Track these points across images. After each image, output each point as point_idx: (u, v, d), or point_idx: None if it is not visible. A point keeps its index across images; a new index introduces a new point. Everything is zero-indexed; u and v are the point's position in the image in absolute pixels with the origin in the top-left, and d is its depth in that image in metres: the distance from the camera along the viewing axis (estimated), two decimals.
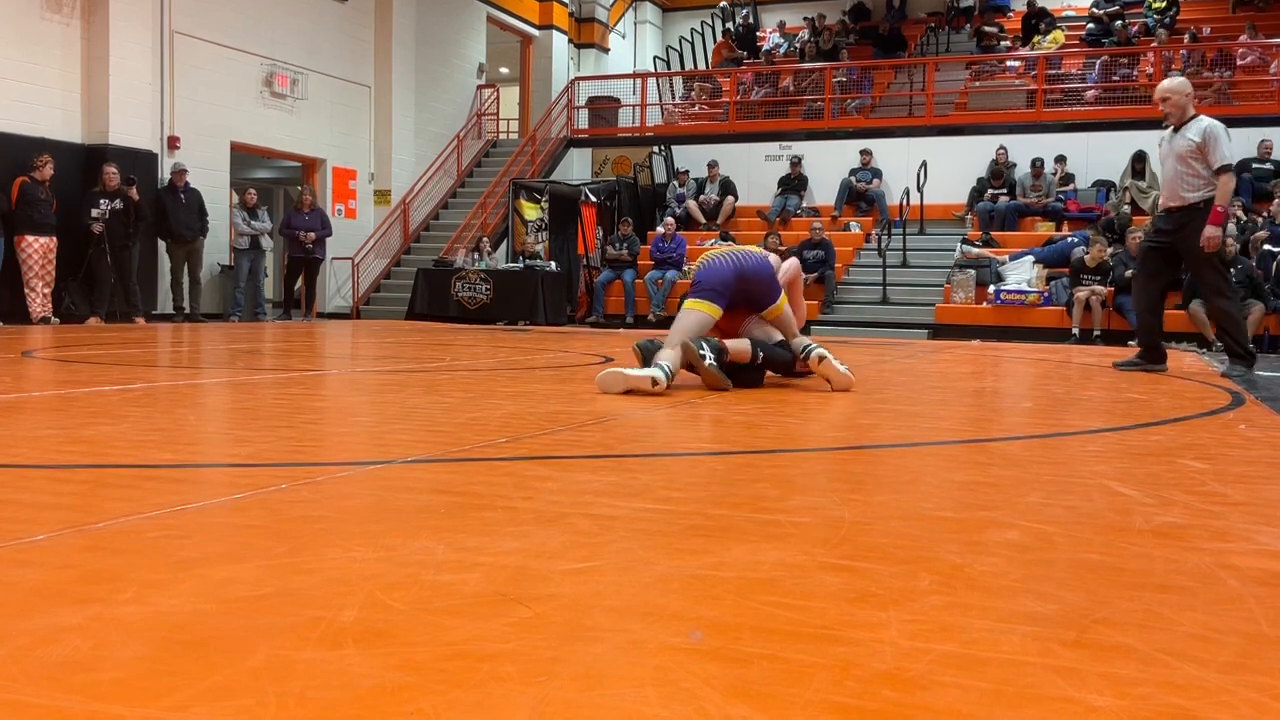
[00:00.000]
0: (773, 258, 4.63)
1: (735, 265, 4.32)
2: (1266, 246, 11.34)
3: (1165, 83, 6.05)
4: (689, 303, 4.34)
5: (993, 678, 1.01)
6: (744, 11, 20.74)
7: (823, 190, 15.24)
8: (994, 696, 0.96)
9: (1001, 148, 14.21)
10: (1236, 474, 2.37)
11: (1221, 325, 6.24)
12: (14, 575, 1.31)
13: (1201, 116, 5.90)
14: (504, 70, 21.48)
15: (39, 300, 10.58)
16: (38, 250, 10.50)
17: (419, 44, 16.43)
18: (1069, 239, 12.45)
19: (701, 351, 4.14)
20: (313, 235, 13.26)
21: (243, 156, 14.50)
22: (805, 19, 19.52)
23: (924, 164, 13.98)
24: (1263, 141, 13.15)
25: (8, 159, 10.49)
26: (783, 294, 4.52)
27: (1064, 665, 1.05)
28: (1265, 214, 12.16)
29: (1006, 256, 12.73)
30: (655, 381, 3.94)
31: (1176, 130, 5.92)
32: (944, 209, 14.51)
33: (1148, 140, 13.62)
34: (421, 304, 13.74)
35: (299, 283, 13.93)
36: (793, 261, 4.93)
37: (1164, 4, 17.12)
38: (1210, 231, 5.73)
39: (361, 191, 15.79)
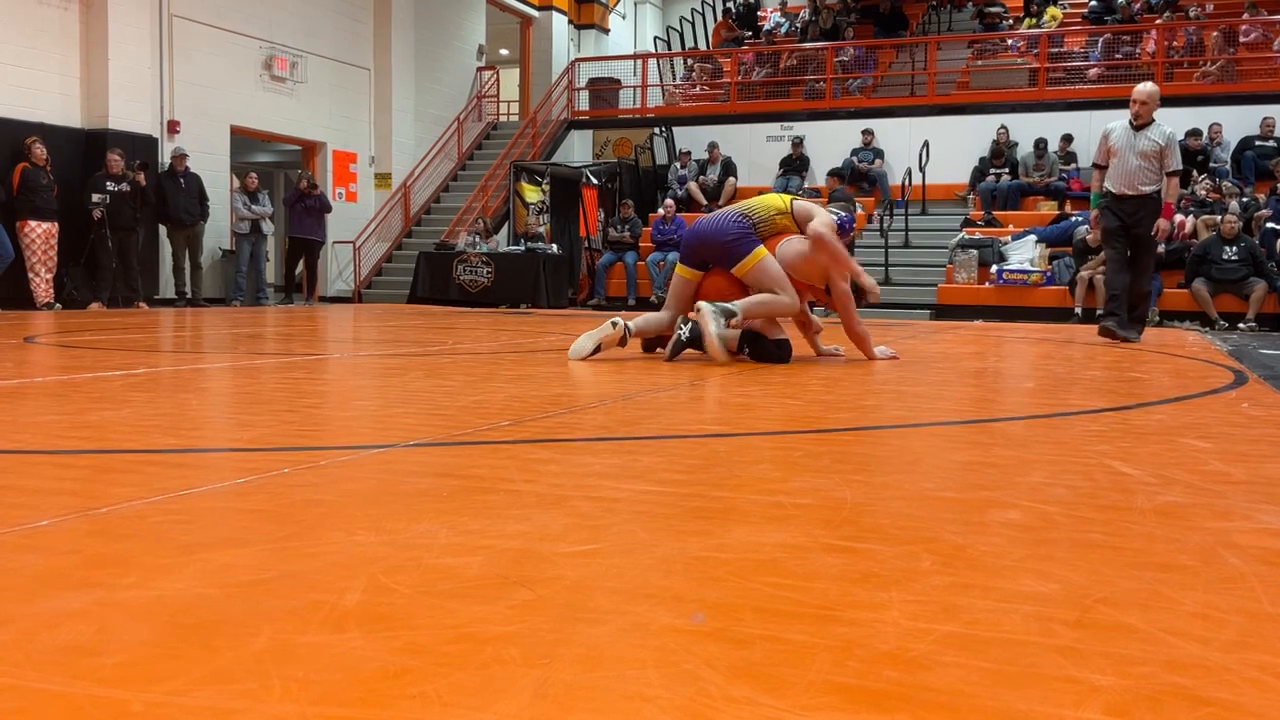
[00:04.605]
0: (821, 218, 4.75)
1: (694, 228, 4.86)
2: (1269, 224, 11.30)
3: (1148, 87, 6.96)
4: (678, 266, 4.91)
5: (995, 657, 1.01)
6: None
7: (824, 170, 15.19)
8: (996, 676, 0.96)
9: (1002, 127, 14.14)
10: (1239, 453, 2.37)
11: (1140, 301, 7.21)
12: (18, 560, 1.31)
13: (1160, 122, 6.89)
14: (504, 52, 21.38)
15: (42, 286, 10.59)
16: (40, 236, 10.51)
17: (418, 26, 16.36)
18: (1074, 218, 12.42)
19: (695, 325, 4.46)
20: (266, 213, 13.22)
21: (243, 140, 14.47)
22: None
23: (926, 144, 13.93)
24: (1265, 119, 13.09)
25: (8, 144, 10.48)
26: (755, 251, 4.58)
27: (1066, 645, 1.05)
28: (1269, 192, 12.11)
29: (1009, 236, 12.69)
30: (615, 324, 4.52)
31: (1139, 129, 6.85)
32: (946, 189, 14.46)
33: None
34: (423, 287, 13.72)
35: (299, 267, 13.93)
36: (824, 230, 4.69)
37: None
38: (1165, 224, 6.92)
39: (362, 175, 15.75)
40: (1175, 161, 6.83)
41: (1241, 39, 14.52)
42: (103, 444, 2.26)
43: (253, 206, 12.89)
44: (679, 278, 4.82)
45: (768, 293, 4.56)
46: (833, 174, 14.57)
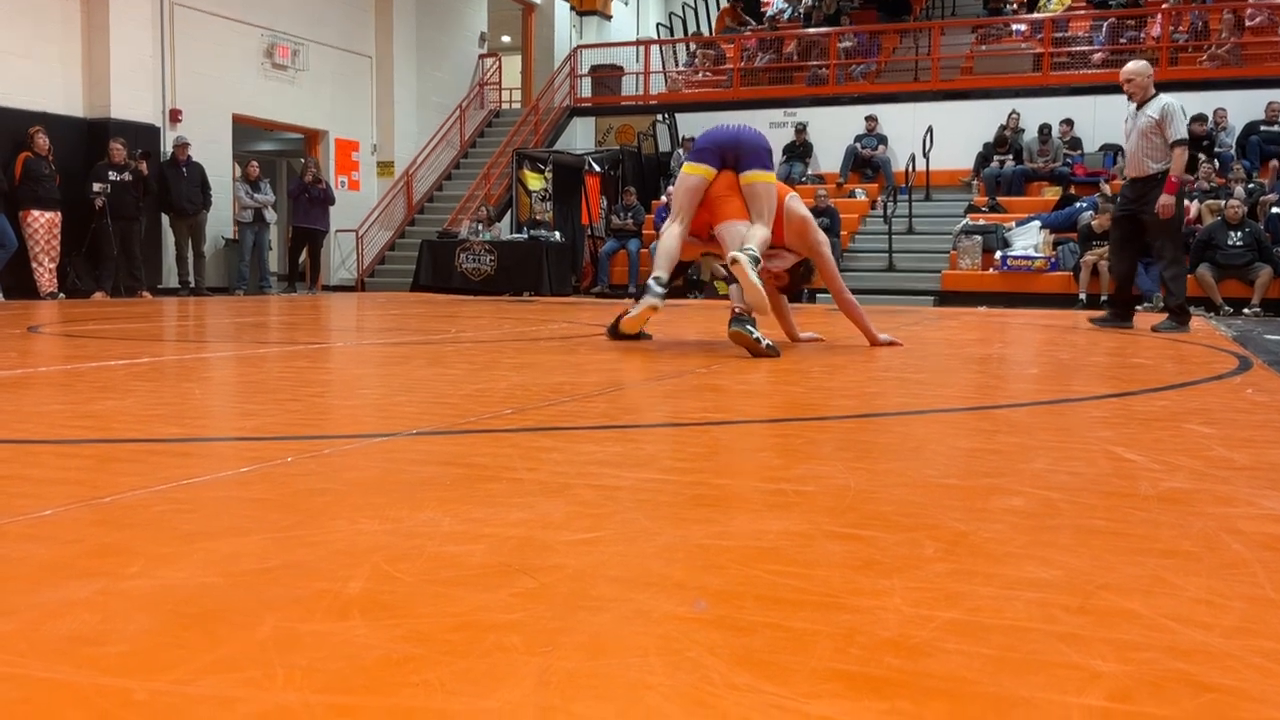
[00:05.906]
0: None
1: (734, 131, 4.77)
2: (1275, 209, 11.26)
3: (1130, 65, 6.76)
4: (686, 165, 4.82)
5: (997, 644, 1.01)
6: None
7: (827, 157, 15.16)
8: (998, 663, 0.97)
9: (1014, 112, 14.09)
10: (1243, 438, 2.36)
11: (1169, 286, 6.83)
12: (22, 550, 1.32)
13: (1161, 95, 6.59)
14: (506, 39, 21.32)
15: (45, 275, 10.60)
16: (42, 225, 10.51)
17: (420, 13, 16.32)
18: (1078, 204, 12.39)
19: (755, 334, 4.26)
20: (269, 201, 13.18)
21: (245, 129, 14.46)
22: None
23: (930, 129, 13.89)
24: (1270, 103, 13.03)
25: (10, 134, 10.48)
26: (771, 171, 4.74)
27: (1068, 631, 1.05)
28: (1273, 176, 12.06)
29: (1013, 222, 12.67)
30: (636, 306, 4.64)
31: (1139, 107, 6.61)
32: (950, 174, 14.43)
33: None
34: (426, 275, 13.72)
35: (303, 256, 13.94)
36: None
37: None
38: (1165, 200, 6.40)
39: (364, 163, 15.74)
40: (1175, 130, 6.42)
41: (1248, 23, 14.44)
42: (106, 433, 2.26)
43: (255, 195, 12.89)
44: (693, 178, 4.71)
45: (756, 223, 4.56)
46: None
